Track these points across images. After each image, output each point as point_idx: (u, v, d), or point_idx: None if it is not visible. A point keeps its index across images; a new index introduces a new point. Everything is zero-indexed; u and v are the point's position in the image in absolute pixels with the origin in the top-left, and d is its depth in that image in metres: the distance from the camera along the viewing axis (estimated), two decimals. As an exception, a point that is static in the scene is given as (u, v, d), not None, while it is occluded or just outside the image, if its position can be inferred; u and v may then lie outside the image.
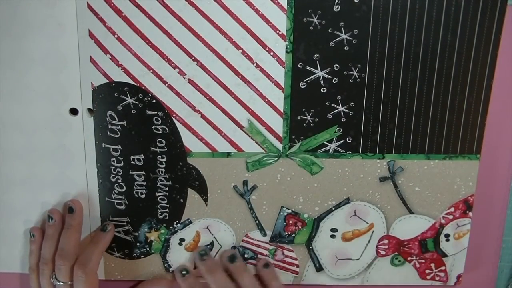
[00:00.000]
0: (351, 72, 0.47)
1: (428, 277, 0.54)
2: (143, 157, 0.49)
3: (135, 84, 0.47)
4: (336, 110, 0.48)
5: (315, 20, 0.45)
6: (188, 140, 0.49)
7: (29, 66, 0.47)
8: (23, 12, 0.46)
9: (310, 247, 0.53)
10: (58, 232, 0.49)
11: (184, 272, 0.52)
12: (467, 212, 0.52)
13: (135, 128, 0.48)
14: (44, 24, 0.46)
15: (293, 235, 0.52)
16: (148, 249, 0.52)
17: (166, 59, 0.46)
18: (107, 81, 0.47)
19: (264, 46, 0.46)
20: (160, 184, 0.50)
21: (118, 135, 0.48)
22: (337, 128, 0.49)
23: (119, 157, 0.49)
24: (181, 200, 0.51)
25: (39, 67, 0.47)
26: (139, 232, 0.52)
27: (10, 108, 0.48)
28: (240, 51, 0.46)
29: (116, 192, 0.50)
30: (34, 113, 0.48)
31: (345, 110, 0.48)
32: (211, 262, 0.51)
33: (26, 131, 0.49)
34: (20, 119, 0.49)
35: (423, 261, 0.53)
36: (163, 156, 0.49)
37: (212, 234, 0.52)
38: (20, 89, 0.48)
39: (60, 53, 0.47)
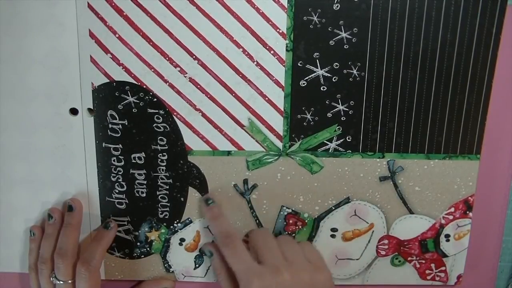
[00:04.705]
0: (351, 71, 0.47)
1: (428, 277, 0.54)
2: (144, 155, 0.49)
3: (136, 83, 0.47)
4: (336, 109, 0.48)
5: (315, 18, 0.45)
6: (189, 138, 0.49)
7: (29, 65, 0.47)
8: (23, 12, 0.46)
9: (311, 247, 0.53)
10: (57, 231, 0.49)
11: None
12: (467, 212, 0.52)
13: (136, 126, 0.48)
14: (45, 23, 0.46)
15: (293, 234, 0.52)
16: (148, 249, 0.52)
17: (167, 58, 0.47)
18: (108, 81, 0.47)
19: (264, 44, 0.46)
20: (161, 182, 0.50)
21: (119, 134, 0.48)
22: (337, 127, 0.49)
23: (119, 156, 0.49)
24: (182, 199, 0.51)
25: (39, 66, 0.47)
26: (140, 231, 0.52)
27: (10, 108, 0.48)
28: (241, 49, 0.46)
29: (117, 191, 0.50)
30: (34, 113, 0.48)
31: (345, 109, 0.48)
32: (217, 209, 0.50)
33: (26, 131, 0.49)
34: (20, 119, 0.49)
35: (423, 261, 0.53)
36: (164, 154, 0.49)
37: (213, 234, 0.52)
38: (20, 89, 0.48)
39: (60, 53, 0.47)
